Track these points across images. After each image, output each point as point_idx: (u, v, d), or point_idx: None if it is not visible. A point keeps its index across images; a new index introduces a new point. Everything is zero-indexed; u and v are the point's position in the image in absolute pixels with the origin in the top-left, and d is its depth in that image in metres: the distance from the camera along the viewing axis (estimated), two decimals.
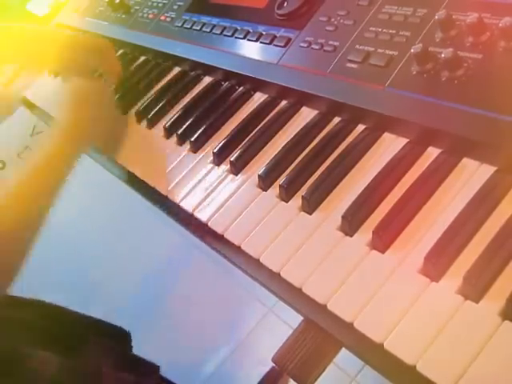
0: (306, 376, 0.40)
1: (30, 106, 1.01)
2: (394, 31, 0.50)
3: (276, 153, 0.53)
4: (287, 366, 0.40)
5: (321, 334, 0.40)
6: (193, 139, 0.60)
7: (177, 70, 0.76)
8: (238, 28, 0.66)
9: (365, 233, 0.42)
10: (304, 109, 0.56)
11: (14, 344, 0.58)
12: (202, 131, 0.61)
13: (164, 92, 0.72)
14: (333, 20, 0.56)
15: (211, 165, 0.57)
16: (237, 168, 0.55)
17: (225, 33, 0.68)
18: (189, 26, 0.74)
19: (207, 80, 0.70)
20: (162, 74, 0.77)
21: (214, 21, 0.70)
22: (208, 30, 0.70)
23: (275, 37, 0.61)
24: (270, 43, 0.61)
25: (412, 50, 0.45)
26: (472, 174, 0.41)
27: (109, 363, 0.67)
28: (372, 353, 0.36)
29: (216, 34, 0.69)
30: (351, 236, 0.43)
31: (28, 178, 0.54)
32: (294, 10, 0.60)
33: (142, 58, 0.84)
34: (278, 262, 0.44)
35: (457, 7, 0.46)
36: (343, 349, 0.39)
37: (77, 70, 0.67)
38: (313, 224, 0.45)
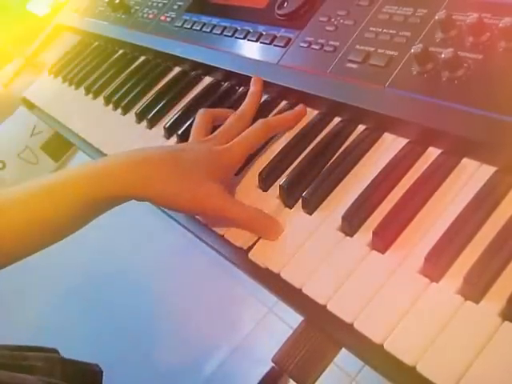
0: (306, 376, 0.40)
1: (30, 106, 1.01)
2: (394, 31, 0.50)
3: (276, 153, 0.53)
4: (287, 366, 0.40)
5: (321, 334, 0.40)
6: None
7: (177, 70, 0.76)
8: (238, 28, 0.66)
9: (365, 233, 0.42)
10: None
11: None
12: None
13: (164, 92, 0.72)
14: (333, 20, 0.56)
15: None
16: None
17: (225, 33, 0.68)
18: (189, 26, 0.74)
19: (207, 80, 0.70)
20: (162, 74, 0.77)
21: (214, 21, 0.70)
22: (208, 30, 0.70)
23: (275, 37, 0.61)
24: (270, 43, 0.61)
25: (412, 50, 0.45)
26: (472, 175, 0.41)
27: None
28: (372, 353, 0.36)
29: (216, 34, 0.69)
30: (351, 236, 0.43)
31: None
32: (294, 10, 0.60)
33: (142, 58, 0.84)
34: (278, 262, 0.44)
35: (457, 7, 0.46)
36: (343, 349, 0.39)
37: None
38: (313, 224, 0.45)
